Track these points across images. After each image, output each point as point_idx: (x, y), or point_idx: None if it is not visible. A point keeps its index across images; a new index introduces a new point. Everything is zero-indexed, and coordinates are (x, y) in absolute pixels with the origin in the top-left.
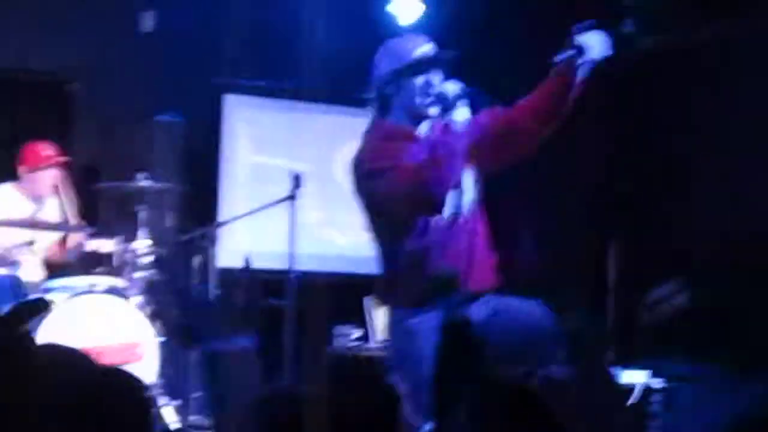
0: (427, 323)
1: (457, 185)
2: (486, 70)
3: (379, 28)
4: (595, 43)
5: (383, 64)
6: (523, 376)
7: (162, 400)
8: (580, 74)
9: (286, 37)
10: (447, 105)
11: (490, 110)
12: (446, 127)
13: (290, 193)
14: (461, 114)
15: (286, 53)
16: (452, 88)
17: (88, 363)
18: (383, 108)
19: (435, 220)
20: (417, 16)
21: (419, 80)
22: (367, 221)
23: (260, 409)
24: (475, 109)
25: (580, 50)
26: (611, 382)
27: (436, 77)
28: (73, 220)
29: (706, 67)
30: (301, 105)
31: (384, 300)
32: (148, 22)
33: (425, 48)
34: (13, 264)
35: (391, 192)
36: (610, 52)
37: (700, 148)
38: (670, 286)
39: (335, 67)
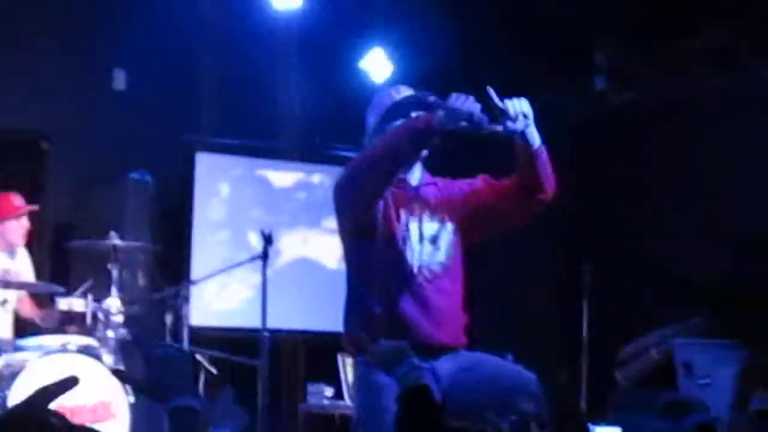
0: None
1: (434, 241)
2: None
3: (351, 86)
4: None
5: (371, 117)
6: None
7: None
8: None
9: (258, 95)
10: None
11: (488, 178)
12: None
13: (262, 251)
14: (416, 174)
15: (259, 111)
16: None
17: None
18: None
19: (407, 269)
20: (389, 73)
21: (400, 122)
22: (344, 251)
23: None
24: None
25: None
26: None
27: None
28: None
29: (676, 121)
30: (273, 163)
31: (348, 349)
32: (120, 80)
33: (405, 93)
34: None
35: (355, 167)
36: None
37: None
38: (640, 342)
39: (308, 125)
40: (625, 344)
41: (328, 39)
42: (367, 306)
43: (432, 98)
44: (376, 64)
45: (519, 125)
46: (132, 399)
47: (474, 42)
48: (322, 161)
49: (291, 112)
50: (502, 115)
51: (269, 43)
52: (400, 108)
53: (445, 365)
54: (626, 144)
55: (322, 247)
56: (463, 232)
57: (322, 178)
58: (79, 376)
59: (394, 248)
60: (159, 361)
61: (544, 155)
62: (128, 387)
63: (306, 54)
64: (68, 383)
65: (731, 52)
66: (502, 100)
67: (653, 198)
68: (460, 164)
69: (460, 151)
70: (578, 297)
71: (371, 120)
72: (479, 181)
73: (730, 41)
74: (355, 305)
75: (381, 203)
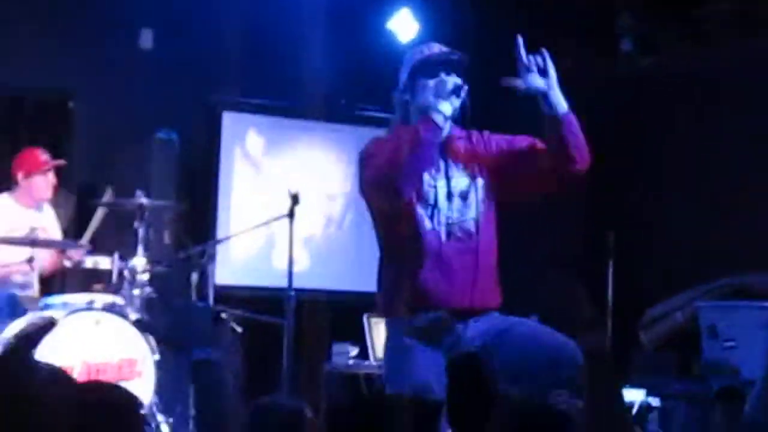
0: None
1: (465, 197)
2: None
3: (377, 46)
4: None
5: (403, 73)
6: (538, 399)
7: (159, 417)
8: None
9: (284, 55)
10: (438, 93)
11: (529, 138)
12: (425, 120)
13: (288, 210)
14: (445, 107)
15: (285, 72)
16: (452, 80)
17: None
18: (403, 115)
19: (430, 229)
20: (415, 33)
21: (431, 81)
22: (372, 219)
23: (258, 417)
24: (462, 121)
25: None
26: (626, 411)
27: (449, 78)
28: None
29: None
30: (299, 123)
31: (381, 310)
32: (146, 39)
33: (435, 49)
34: (11, 281)
35: (368, 179)
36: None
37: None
38: (665, 305)
39: (334, 86)
40: (650, 307)
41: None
42: (395, 273)
43: (459, 54)
44: (403, 25)
45: (539, 82)
46: (158, 357)
47: (500, 3)
48: (348, 121)
49: (317, 72)
50: (525, 69)
51: (296, 3)
52: (428, 65)
53: (477, 327)
54: (652, 109)
55: (348, 207)
56: (495, 188)
57: (348, 138)
58: (105, 334)
59: (418, 216)
60: (178, 312)
61: (572, 123)
62: (153, 343)
63: (333, 14)
64: (46, 328)
65: (749, 17)
66: (527, 54)
67: (678, 166)
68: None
69: (497, 113)
70: (603, 263)
71: (403, 76)
72: (520, 139)
73: (747, 6)
74: (385, 270)
75: None
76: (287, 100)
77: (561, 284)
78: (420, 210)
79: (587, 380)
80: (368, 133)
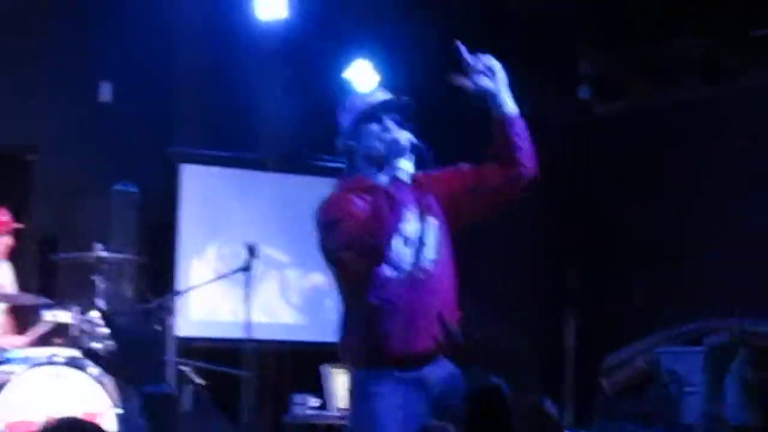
0: (386, 387)
1: (420, 240)
2: (440, 130)
3: (336, 96)
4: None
5: (344, 120)
6: None
7: None
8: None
9: (243, 106)
10: (398, 152)
11: (469, 164)
12: (395, 181)
13: (245, 263)
14: (405, 165)
15: (243, 123)
16: (405, 136)
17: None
18: (349, 163)
19: (392, 277)
20: (374, 84)
21: (375, 127)
22: (332, 277)
23: None
24: (422, 164)
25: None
26: None
27: (392, 124)
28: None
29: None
30: (257, 174)
31: (344, 361)
32: (105, 92)
33: (380, 95)
34: None
35: (340, 243)
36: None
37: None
38: (627, 351)
39: (292, 136)
40: (611, 353)
41: (313, 50)
42: (359, 324)
43: (405, 100)
44: (361, 75)
45: (487, 83)
46: (120, 410)
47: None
48: (308, 172)
49: (276, 123)
50: (472, 70)
51: (254, 54)
52: (377, 110)
53: (435, 372)
54: (611, 152)
55: (308, 259)
56: (450, 221)
57: (307, 190)
58: (66, 387)
59: (375, 271)
60: (128, 344)
61: (520, 123)
62: (115, 396)
63: (291, 65)
64: None
65: (712, 61)
66: (472, 55)
67: (638, 205)
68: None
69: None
70: (563, 305)
71: (346, 122)
72: (462, 167)
73: (711, 49)
74: (349, 321)
75: None
76: (246, 152)
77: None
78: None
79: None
80: (328, 184)
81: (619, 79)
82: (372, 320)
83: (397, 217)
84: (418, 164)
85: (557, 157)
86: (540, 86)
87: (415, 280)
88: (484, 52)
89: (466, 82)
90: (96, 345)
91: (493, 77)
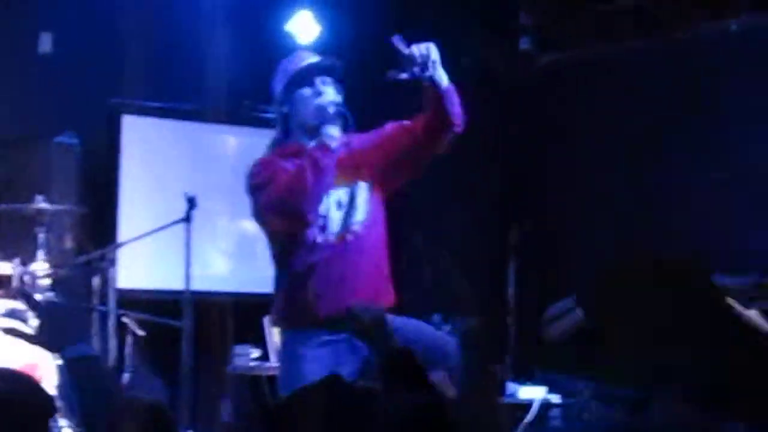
0: (314, 349)
1: (350, 203)
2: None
3: (277, 48)
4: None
5: (277, 84)
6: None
7: (62, 422)
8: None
9: (185, 58)
10: (324, 119)
11: (395, 124)
12: (321, 147)
13: (185, 215)
14: (333, 131)
15: (185, 74)
16: (332, 102)
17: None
18: (283, 128)
19: (321, 239)
20: (315, 36)
21: (306, 91)
22: (266, 236)
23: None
24: (346, 129)
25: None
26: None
27: (326, 88)
28: None
29: (601, 82)
30: (199, 126)
31: (274, 321)
32: (45, 43)
33: (311, 59)
34: None
35: (266, 205)
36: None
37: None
38: (567, 302)
39: (234, 88)
40: (551, 304)
41: (256, 0)
42: (287, 285)
43: (334, 61)
44: (303, 27)
45: (424, 71)
46: (60, 361)
47: (400, 4)
48: (250, 124)
49: (218, 75)
50: (409, 62)
51: (197, 4)
52: (303, 75)
53: None
54: (552, 105)
55: (249, 210)
56: (380, 183)
57: (249, 141)
58: (6, 339)
59: (304, 234)
60: (47, 311)
61: (453, 93)
62: None
63: (233, 16)
64: None
65: (646, 14)
66: (408, 46)
67: (580, 161)
68: (366, 115)
69: (363, 102)
70: (506, 259)
71: (278, 87)
72: (388, 129)
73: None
74: (278, 281)
75: None
76: (188, 103)
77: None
78: (311, 225)
79: (462, 360)
80: (268, 135)
81: (561, 30)
82: (299, 283)
83: (323, 182)
84: (343, 129)
85: (499, 111)
86: (482, 39)
87: (345, 242)
88: (425, 4)
89: (402, 75)
90: (37, 297)
91: (430, 64)
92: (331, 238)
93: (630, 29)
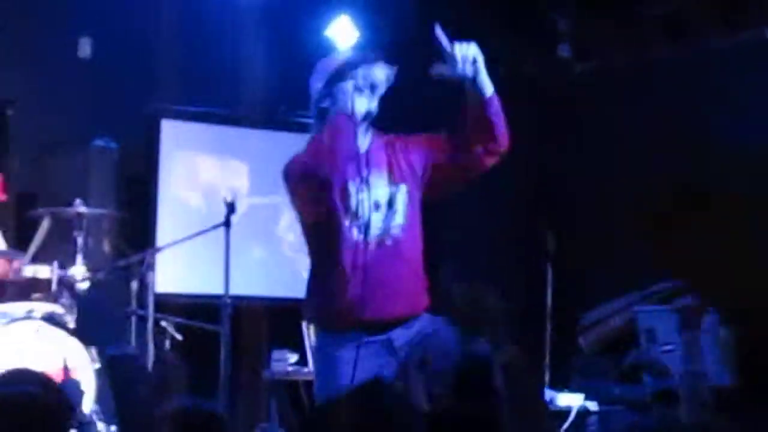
0: (350, 351)
1: (390, 205)
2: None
3: (315, 53)
4: (472, 54)
5: (316, 83)
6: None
7: (100, 425)
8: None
9: (222, 62)
10: (360, 88)
11: (439, 134)
12: (339, 113)
13: (224, 219)
14: (359, 104)
15: (223, 79)
16: (365, 103)
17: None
18: (321, 121)
19: (360, 240)
20: (353, 41)
21: (349, 84)
22: (303, 235)
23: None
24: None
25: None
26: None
27: (364, 81)
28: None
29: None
30: (236, 130)
31: (309, 320)
32: (85, 48)
33: (351, 54)
34: None
35: (295, 176)
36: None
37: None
38: (603, 309)
39: (271, 93)
40: (588, 311)
41: (294, 5)
42: (323, 286)
43: (376, 55)
44: (342, 32)
45: (468, 70)
46: (98, 365)
47: (438, 10)
48: (287, 128)
49: (255, 80)
50: (451, 58)
51: (235, 10)
52: (348, 67)
53: (402, 334)
54: (589, 113)
55: (286, 214)
56: (420, 191)
57: (285, 146)
58: (44, 343)
59: (344, 228)
60: (87, 307)
61: (496, 104)
62: (93, 352)
63: (271, 22)
64: None
65: (681, 22)
66: (451, 42)
67: (618, 169)
68: (410, 121)
69: (408, 107)
70: (542, 264)
71: (317, 86)
72: (433, 137)
73: (680, 10)
74: (314, 282)
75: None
76: (226, 108)
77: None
78: (346, 222)
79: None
80: (305, 139)
81: (599, 38)
82: (339, 285)
83: (343, 143)
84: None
85: (536, 117)
86: (519, 46)
87: (384, 245)
88: (463, 10)
89: (444, 70)
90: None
91: (472, 64)
92: (372, 240)
93: (661, 37)
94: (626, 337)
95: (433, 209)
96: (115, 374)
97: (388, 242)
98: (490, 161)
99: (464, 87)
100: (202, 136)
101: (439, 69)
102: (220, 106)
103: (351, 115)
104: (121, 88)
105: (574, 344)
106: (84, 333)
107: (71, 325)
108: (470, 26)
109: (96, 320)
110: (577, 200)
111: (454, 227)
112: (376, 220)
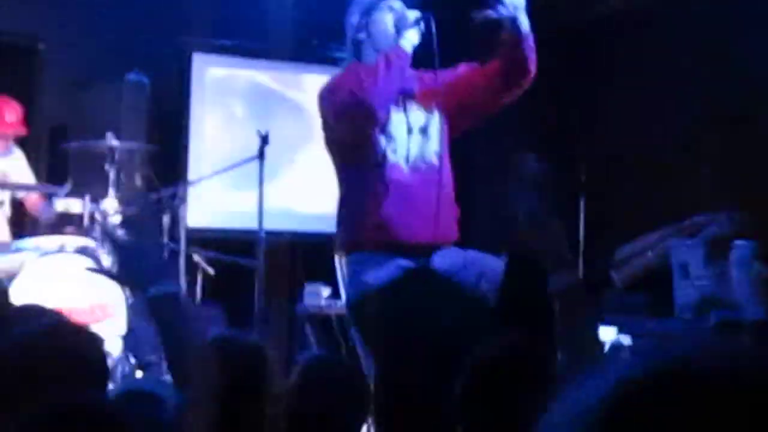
0: (387, 271)
1: (424, 131)
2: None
3: None
4: None
5: (352, 17)
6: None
7: (132, 359)
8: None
9: None
10: (404, 26)
11: (469, 65)
12: (395, 47)
13: (258, 152)
14: (411, 36)
15: (255, 12)
16: (412, 13)
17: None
18: (356, 55)
19: (395, 163)
20: None
21: (386, 14)
22: (331, 159)
23: (217, 350)
24: (428, 35)
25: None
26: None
27: (401, 6)
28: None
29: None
30: (267, 63)
31: (339, 245)
32: None
33: None
34: None
35: (336, 106)
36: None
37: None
38: (637, 244)
39: (303, 27)
40: (622, 245)
41: None
42: (358, 207)
43: None
44: None
45: (510, 9)
46: (131, 299)
47: None
48: (320, 62)
49: (288, 13)
50: (495, 1)
51: None
52: (382, 2)
53: (439, 263)
54: (619, 47)
55: (318, 147)
56: (450, 120)
57: (317, 79)
58: (76, 277)
59: (381, 149)
60: (128, 249)
61: (531, 40)
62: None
63: None
64: None
65: None
66: None
67: (651, 102)
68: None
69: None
70: (574, 198)
71: (354, 17)
72: (462, 69)
73: None
74: (345, 208)
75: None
76: (258, 41)
77: (534, 220)
78: (383, 143)
79: (561, 320)
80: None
81: None
82: (372, 202)
83: (394, 79)
84: (424, 36)
85: (565, 52)
86: None
87: (419, 169)
88: None
89: (489, 13)
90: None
91: (514, 6)
92: (408, 164)
93: None
94: (660, 271)
95: (466, 138)
96: (161, 314)
97: (423, 167)
98: (517, 92)
99: (503, 27)
100: (235, 69)
101: (482, 14)
102: (252, 39)
103: (398, 47)
104: (152, 22)
105: (607, 278)
106: (126, 276)
107: (104, 259)
108: None
109: (137, 262)
110: (610, 131)
111: (488, 154)
112: (413, 145)
